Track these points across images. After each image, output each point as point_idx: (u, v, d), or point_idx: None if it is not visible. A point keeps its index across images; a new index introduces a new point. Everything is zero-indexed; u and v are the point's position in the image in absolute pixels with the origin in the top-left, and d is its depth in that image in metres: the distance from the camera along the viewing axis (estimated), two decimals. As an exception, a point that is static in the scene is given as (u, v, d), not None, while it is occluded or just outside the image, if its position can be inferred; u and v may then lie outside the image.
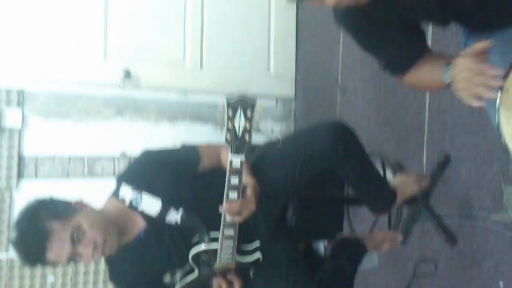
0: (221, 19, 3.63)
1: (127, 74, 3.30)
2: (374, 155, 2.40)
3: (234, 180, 1.53)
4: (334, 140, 1.67)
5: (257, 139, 2.35)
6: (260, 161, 1.84)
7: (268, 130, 3.72)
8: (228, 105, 1.42)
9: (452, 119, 2.19)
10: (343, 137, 1.70)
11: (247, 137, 1.46)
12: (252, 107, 1.44)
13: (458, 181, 2.13)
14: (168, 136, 3.43)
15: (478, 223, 1.97)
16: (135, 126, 3.43)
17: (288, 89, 3.85)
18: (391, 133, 2.73)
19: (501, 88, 1.05)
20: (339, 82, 3.30)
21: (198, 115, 3.53)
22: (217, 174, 1.73)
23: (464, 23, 1.35)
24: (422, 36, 1.31)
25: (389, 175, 2.30)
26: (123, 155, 3.33)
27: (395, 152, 2.60)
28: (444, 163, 2.19)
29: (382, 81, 2.79)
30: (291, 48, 3.88)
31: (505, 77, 1.05)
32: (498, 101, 1.06)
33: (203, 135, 3.40)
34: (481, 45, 1.03)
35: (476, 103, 1.05)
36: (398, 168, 2.38)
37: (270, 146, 2.04)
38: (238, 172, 1.52)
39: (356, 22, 1.26)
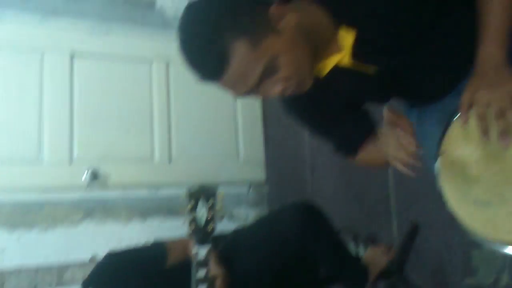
0: (188, 111, 3.70)
1: (94, 175, 3.30)
2: (346, 231, 2.41)
3: (201, 273, 1.51)
4: (302, 224, 1.70)
5: (231, 226, 2.35)
6: (230, 249, 1.84)
7: (242, 216, 3.71)
8: (189, 196, 1.44)
9: (415, 187, 2.24)
10: (310, 219, 1.73)
11: (210, 227, 1.47)
12: (214, 196, 1.46)
13: (429, 248, 2.14)
14: (140, 233, 3.37)
15: (452, 289, 1.96)
16: (105, 227, 3.36)
17: (259, 174, 3.89)
18: (361, 207, 2.76)
19: (439, 153, 1.10)
20: (308, 162, 3.36)
21: (170, 209, 3.50)
22: (187, 268, 1.71)
23: (404, 100, 1.42)
24: (366, 116, 1.35)
25: (362, 250, 2.30)
26: (93, 259, 3.25)
27: (367, 226, 2.61)
28: (413, 232, 2.20)
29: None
30: (258, 133, 3.96)
31: (440, 141, 1.10)
32: (438, 165, 1.11)
33: (177, 229, 3.35)
34: (391, 115, 1.07)
35: (405, 170, 1.08)
36: (371, 241, 2.38)
37: (239, 233, 2.04)
38: (204, 264, 1.51)
39: (302, 110, 1.31)
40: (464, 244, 1.89)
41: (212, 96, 3.74)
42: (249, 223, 1.94)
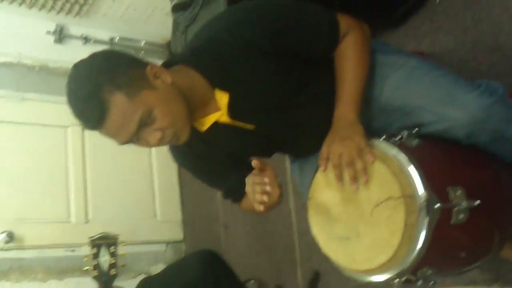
0: (104, 172, 3.77)
1: (10, 236, 3.25)
2: (255, 282, 2.56)
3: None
4: (204, 267, 1.82)
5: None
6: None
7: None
8: (92, 244, 1.53)
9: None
10: (211, 263, 1.85)
11: (113, 271, 1.56)
12: (115, 243, 1.56)
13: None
14: (57, 293, 3.34)
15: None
16: (22, 288, 3.30)
17: (176, 232, 3.97)
18: (269, 259, 2.92)
19: (308, 198, 1.30)
20: (221, 219, 3.52)
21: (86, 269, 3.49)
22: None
23: (285, 153, 1.62)
24: (248, 167, 1.51)
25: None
26: (5, 321, 3.17)
27: (276, 276, 2.77)
28: (315, 280, 2.39)
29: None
30: (175, 193, 4.08)
31: (308, 187, 1.30)
32: (308, 209, 1.29)
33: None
34: (256, 162, 1.21)
35: (260, 208, 1.21)
36: (278, 290, 2.54)
37: (146, 281, 2.11)
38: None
39: (188, 161, 1.45)
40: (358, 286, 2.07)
41: (129, 157, 3.85)
42: (159, 272, 2.03)
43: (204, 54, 1.26)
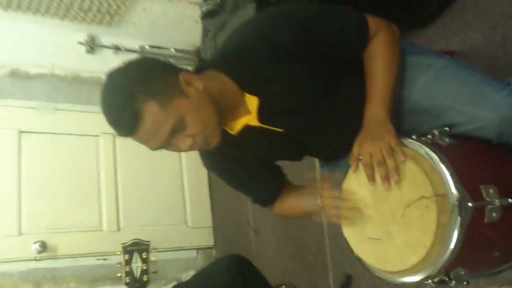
0: (134, 180, 3.82)
1: (43, 246, 3.33)
2: (287, 285, 2.55)
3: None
4: (233, 272, 1.83)
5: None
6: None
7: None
8: (124, 250, 1.55)
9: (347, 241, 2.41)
10: (239, 268, 1.85)
11: (145, 277, 1.58)
12: (147, 249, 1.58)
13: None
14: (90, 302, 3.40)
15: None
16: (55, 298, 3.37)
17: (207, 238, 4.00)
18: (300, 263, 2.91)
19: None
20: (251, 224, 3.52)
21: (119, 275, 3.54)
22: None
23: (314, 156, 1.62)
24: (279, 171, 1.52)
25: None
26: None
27: (307, 279, 2.76)
28: (347, 283, 2.37)
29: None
30: (205, 199, 4.11)
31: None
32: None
33: (126, 295, 3.40)
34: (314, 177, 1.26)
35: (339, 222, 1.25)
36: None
37: (179, 286, 2.14)
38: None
39: (218, 165, 1.47)
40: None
41: (159, 164, 3.90)
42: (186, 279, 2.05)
43: (234, 59, 1.27)
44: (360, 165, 1.20)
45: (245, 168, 1.47)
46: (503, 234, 1.17)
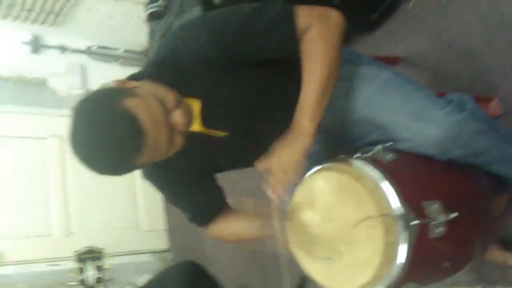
0: (85, 184, 3.71)
1: (-10, 253, 3.23)
2: (242, 289, 2.55)
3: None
4: (188, 281, 1.80)
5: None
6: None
7: (146, 285, 3.73)
8: (77, 258, 1.50)
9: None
10: (194, 275, 1.83)
11: (99, 286, 1.53)
12: (100, 256, 1.53)
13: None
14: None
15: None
16: (4, 308, 3.26)
17: (162, 242, 3.96)
18: (256, 266, 2.92)
19: (288, 218, 1.27)
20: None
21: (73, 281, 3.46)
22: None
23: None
24: (220, 193, 1.47)
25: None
26: None
27: (262, 283, 2.77)
28: (301, 286, 2.39)
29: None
30: (159, 202, 4.05)
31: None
32: (287, 230, 1.26)
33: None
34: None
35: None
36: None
37: None
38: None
39: (159, 176, 1.41)
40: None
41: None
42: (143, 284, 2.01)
43: (167, 67, 1.23)
44: (304, 187, 1.20)
45: (185, 184, 1.42)
46: (451, 246, 1.20)
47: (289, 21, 1.19)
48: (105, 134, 1.04)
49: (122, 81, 1.16)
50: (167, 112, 1.10)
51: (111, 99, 1.07)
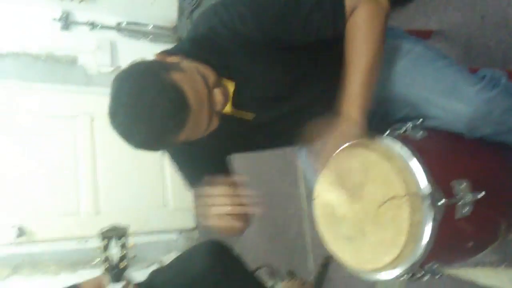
0: (114, 163, 3.75)
1: (21, 231, 3.28)
2: (266, 268, 2.55)
3: (116, 309, 1.56)
4: (212, 258, 1.79)
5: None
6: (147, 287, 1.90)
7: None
8: (101, 236, 1.50)
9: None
10: (219, 254, 1.82)
11: (123, 264, 1.53)
12: (125, 235, 1.53)
13: (341, 277, 2.31)
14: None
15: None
16: (34, 282, 3.32)
17: (188, 220, 3.97)
18: (281, 245, 2.91)
19: (313, 198, 1.27)
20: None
21: (98, 261, 3.50)
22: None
23: (286, 145, 1.57)
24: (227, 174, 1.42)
25: (279, 285, 2.45)
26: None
27: (286, 261, 2.76)
28: (325, 265, 2.38)
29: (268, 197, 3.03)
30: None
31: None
32: (314, 209, 1.26)
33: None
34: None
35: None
36: (290, 276, 2.53)
37: (155, 272, 2.10)
38: (121, 301, 1.56)
39: (181, 153, 1.39)
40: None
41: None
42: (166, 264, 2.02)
43: (205, 46, 1.21)
44: (331, 165, 1.17)
45: (198, 156, 1.38)
46: (476, 226, 1.17)
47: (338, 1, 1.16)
48: (150, 106, 1.01)
49: (164, 55, 1.14)
50: (209, 89, 1.08)
51: (157, 71, 1.04)
